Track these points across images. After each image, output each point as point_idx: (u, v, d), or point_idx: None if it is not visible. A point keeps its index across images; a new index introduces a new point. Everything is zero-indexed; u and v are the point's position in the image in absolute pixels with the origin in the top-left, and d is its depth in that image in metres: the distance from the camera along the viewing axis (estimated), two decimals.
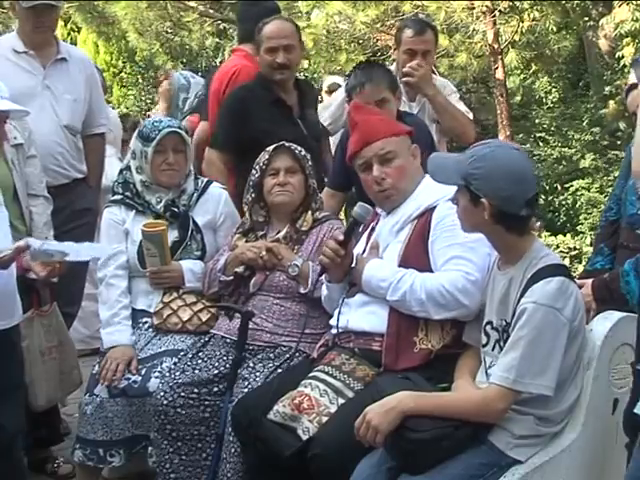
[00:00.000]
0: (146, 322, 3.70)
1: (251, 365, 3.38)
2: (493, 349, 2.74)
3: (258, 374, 3.32)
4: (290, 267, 3.49)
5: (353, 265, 3.18)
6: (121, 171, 3.90)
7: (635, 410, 2.35)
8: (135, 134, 3.88)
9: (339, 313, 3.18)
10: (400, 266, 3.08)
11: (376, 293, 3.08)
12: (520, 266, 2.68)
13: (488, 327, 2.77)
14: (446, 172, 2.74)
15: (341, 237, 3.17)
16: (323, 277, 3.28)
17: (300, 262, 3.49)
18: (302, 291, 3.48)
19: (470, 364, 2.86)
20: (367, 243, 3.27)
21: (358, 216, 3.20)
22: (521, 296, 2.62)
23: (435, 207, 3.10)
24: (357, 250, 3.26)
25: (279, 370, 3.33)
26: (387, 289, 3.03)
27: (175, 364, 3.45)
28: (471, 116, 4.72)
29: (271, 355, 3.41)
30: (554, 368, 2.57)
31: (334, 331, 3.20)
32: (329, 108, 4.73)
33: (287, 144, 3.65)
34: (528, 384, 2.56)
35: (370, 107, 3.52)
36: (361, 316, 3.13)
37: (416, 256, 3.07)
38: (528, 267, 2.66)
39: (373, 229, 3.28)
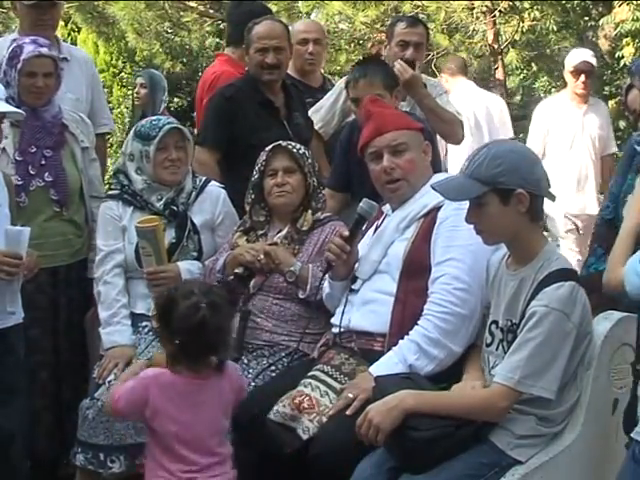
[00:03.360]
0: (146, 326, 3.67)
1: (245, 362, 3.39)
2: (497, 349, 2.74)
3: (251, 370, 3.34)
4: (287, 273, 3.47)
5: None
6: (114, 174, 3.89)
7: (632, 435, 2.37)
8: (130, 136, 3.85)
9: (342, 312, 3.18)
10: (404, 265, 3.08)
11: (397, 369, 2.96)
12: (531, 267, 2.67)
13: (493, 327, 2.77)
14: (462, 188, 2.71)
15: (346, 233, 3.18)
16: (327, 275, 3.28)
17: (298, 267, 3.48)
18: (301, 296, 3.47)
19: (478, 361, 2.86)
20: (372, 239, 3.26)
21: (363, 212, 3.21)
22: (531, 298, 2.62)
23: (441, 207, 3.10)
24: (361, 247, 3.25)
25: (272, 367, 3.34)
26: (401, 361, 2.94)
27: None
28: (462, 117, 4.74)
29: (266, 353, 3.42)
30: (557, 372, 2.58)
31: (335, 330, 3.21)
32: (319, 111, 4.73)
33: (284, 144, 3.64)
34: (531, 386, 2.57)
35: (385, 101, 3.51)
36: (363, 315, 3.13)
37: (421, 255, 3.07)
38: (540, 269, 2.65)
39: (378, 227, 3.28)
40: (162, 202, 3.76)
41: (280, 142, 3.66)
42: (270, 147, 3.63)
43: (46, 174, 3.78)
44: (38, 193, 3.77)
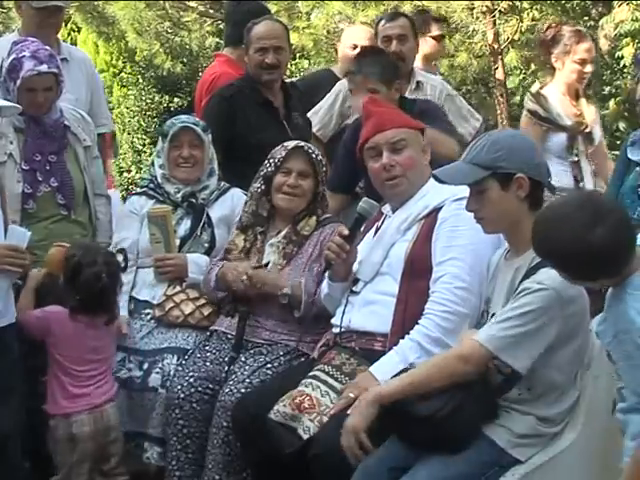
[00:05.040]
0: (148, 313, 3.73)
1: (243, 359, 3.41)
2: None
3: (247, 367, 3.35)
4: (281, 296, 3.46)
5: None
6: (148, 169, 4.07)
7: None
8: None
9: (343, 312, 3.19)
10: (406, 266, 3.08)
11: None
12: (527, 256, 2.65)
13: (492, 319, 2.72)
14: (462, 173, 2.72)
15: (346, 232, 3.18)
16: (326, 274, 3.28)
17: (290, 290, 3.45)
18: (296, 315, 3.45)
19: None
20: (373, 240, 3.25)
21: (363, 211, 3.22)
22: (524, 280, 2.59)
23: (442, 207, 3.10)
24: (362, 249, 3.25)
25: (268, 365, 3.35)
26: (402, 360, 2.93)
27: (185, 360, 3.47)
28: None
29: (264, 351, 3.43)
30: (534, 350, 2.54)
31: (336, 330, 3.21)
32: (318, 113, 4.72)
33: (306, 147, 3.63)
34: (507, 355, 2.52)
35: (385, 102, 3.50)
36: (364, 315, 3.13)
37: (422, 256, 3.08)
38: (535, 257, 2.61)
39: (378, 229, 3.28)
40: (180, 194, 3.86)
41: (302, 143, 3.65)
42: (291, 145, 3.61)
43: (52, 179, 3.78)
44: (45, 199, 3.77)
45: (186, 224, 3.85)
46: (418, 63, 5.45)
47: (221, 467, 3.26)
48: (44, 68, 3.67)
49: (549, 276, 2.53)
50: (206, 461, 3.30)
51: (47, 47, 3.79)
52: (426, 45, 5.35)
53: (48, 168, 3.78)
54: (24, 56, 3.65)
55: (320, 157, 3.64)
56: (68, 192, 3.82)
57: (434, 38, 5.46)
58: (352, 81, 4.03)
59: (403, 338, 2.98)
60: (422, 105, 4.09)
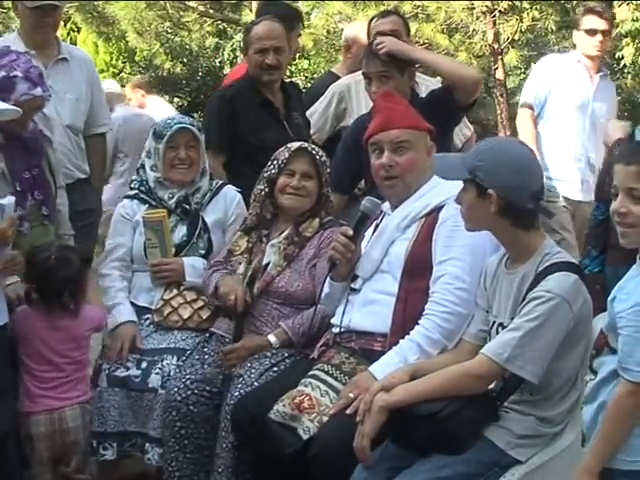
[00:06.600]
0: (147, 318, 3.73)
1: (248, 363, 3.39)
2: None
3: (253, 371, 3.34)
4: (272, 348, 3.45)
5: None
6: (137, 170, 3.95)
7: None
8: (150, 133, 3.91)
9: (343, 312, 3.18)
10: (406, 264, 3.08)
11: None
12: (532, 262, 2.67)
13: (500, 329, 2.72)
14: (452, 168, 2.76)
15: (351, 232, 3.18)
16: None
17: (275, 340, 3.43)
18: (299, 348, 3.44)
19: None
20: (372, 237, 3.25)
21: (367, 210, 3.21)
22: (532, 287, 2.60)
23: (443, 207, 3.10)
24: (362, 246, 3.24)
25: (275, 368, 3.35)
26: (401, 361, 2.93)
27: (183, 361, 3.47)
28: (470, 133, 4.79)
29: (268, 353, 3.42)
30: (547, 359, 2.56)
31: (335, 330, 3.21)
32: (312, 117, 4.69)
33: (309, 147, 3.62)
34: (519, 367, 2.55)
35: (398, 97, 3.43)
36: (364, 316, 3.13)
37: (422, 255, 3.07)
38: (541, 262, 2.64)
39: (377, 226, 3.28)
40: (174, 200, 3.81)
41: (305, 145, 3.64)
42: (295, 147, 3.59)
43: (36, 192, 3.64)
44: (32, 211, 3.62)
45: (181, 230, 3.81)
46: (585, 60, 5.19)
47: (231, 471, 3.25)
48: (39, 92, 3.50)
49: (557, 283, 2.56)
50: (215, 465, 3.29)
51: (35, 65, 3.60)
52: (579, 39, 5.15)
53: (32, 182, 3.64)
54: (16, 76, 3.45)
55: (324, 158, 3.62)
56: (51, 204, 3.71)
57: (586, 32, 5.13)
58: (365, 66, 3.96)
59: (403, 338, 2.99)
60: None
